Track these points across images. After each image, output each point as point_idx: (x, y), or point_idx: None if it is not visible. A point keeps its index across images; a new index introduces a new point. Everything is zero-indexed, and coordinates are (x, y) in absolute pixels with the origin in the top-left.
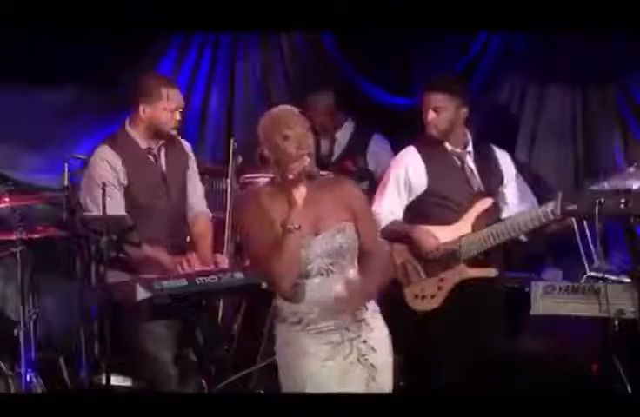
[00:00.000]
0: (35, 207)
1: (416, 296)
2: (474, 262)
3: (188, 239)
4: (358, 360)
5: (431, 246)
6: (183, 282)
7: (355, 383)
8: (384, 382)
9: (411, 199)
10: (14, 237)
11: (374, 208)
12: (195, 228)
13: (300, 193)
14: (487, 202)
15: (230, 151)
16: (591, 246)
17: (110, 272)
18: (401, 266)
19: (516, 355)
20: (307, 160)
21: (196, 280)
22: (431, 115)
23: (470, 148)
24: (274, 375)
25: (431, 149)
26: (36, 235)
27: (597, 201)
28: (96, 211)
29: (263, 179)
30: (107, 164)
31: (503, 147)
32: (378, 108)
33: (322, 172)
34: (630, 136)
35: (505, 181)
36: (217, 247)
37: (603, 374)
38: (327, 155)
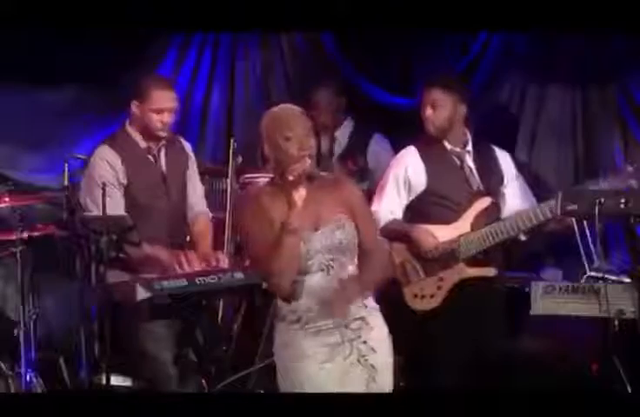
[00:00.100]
0: (35, 207)
1: (416, 296)
2: (473, 262)
3: (188, 239)
4: (358, 361)
5: (430, 245)
6: (183, 282)
7: (355, 384)
8: (384, 383)
9: (411, 198)
10: (14, 237)
11: (373, 207)
12: (195, 227)
13: (300, 194)
14: (486, 202)
15: (230, 151)
16: (591, 246)
17: (109, 272)
18: (400, 265)
19: (515, 355)
20: (308, 161)
21: (196, 280)
22: (429, 111)
23: (469, 147)
24: (273, 376)
25: (431, 149)
26: (36, 233)
27: (597, 201)
28: (96, 211)
29: (263, 179)
30: (107, 164)
31: (503, 147)
32: (378, 107)
33: (322, 172)
34: (630, 136)
35: (505, 180)
36: (217, 247)
37: (603, 374)
38: (327, 155)
